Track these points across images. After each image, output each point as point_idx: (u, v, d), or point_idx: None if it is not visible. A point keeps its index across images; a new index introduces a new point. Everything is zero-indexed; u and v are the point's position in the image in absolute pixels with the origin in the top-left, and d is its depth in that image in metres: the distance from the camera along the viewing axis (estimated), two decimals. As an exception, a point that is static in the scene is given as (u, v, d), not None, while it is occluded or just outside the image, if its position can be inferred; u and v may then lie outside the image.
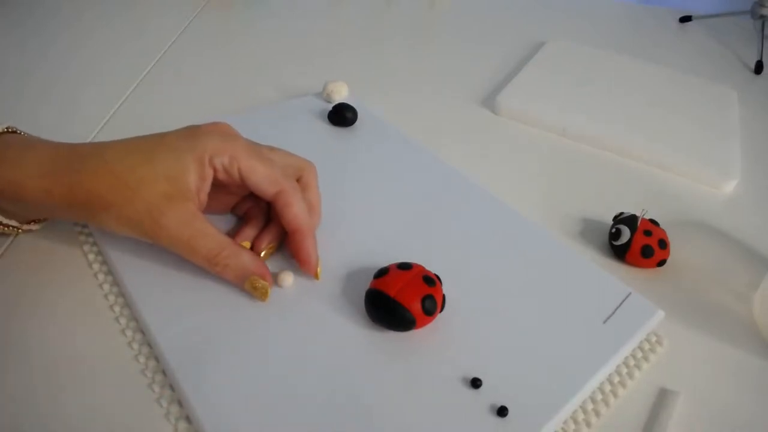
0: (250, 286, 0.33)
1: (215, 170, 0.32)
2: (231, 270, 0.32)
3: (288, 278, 0.35)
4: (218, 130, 0.33)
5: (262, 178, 0.33)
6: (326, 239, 0.38)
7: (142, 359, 0.31)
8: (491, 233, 0.40)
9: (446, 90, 0.63)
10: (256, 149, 0.34)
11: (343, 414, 0.28)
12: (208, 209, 0.35)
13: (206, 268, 0.32)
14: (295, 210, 0.33)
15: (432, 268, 0.34)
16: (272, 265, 0.36)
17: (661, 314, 0.36)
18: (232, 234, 0.37)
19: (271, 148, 0.36)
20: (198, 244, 0.31)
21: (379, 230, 0.40)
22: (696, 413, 0.32)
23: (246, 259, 0.33)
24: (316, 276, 0.35)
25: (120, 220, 0.31)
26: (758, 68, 0.78)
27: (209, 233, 0.32)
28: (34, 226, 0.36)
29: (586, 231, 0.45)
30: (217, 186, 0.34)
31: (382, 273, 0.33)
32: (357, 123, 0.51)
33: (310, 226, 0.34)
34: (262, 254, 0.36)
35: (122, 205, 0.30)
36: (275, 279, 0.35)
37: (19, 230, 0.36)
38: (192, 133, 0.32)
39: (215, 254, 0.32)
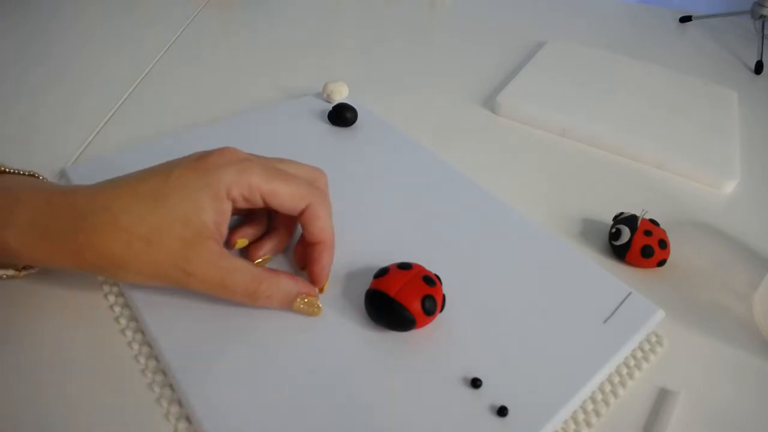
0: (300, 308, 0.32)
1: (234, 201, 0.30)
2: (276, 299, 0.31)
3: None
4: (229, 159, 0.30)
5: (288, 198, 0.31)
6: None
7: (142, 359, 0.31)
8: (491, 233, 0.40)
9: (446, 90, 0.63)
10: (272, 169, 0.31)
11: (343, 414, 0.28)
12: None
13: (248, 303, 0.31)
14: (322, 223, 0.32)
15: (432, 268, 0.34)
16: (284, 270, 0.36)
17: (661, 314, 0.36)
18: (232, 231, 0.35)
19: (281, 160, 0.34)
20: (233, 283, 0.30)
21: (379, 230, 0.40)
22: (696, 413, 0.32)
23: (286, 283, 0.31)
24: (321, 290, 0.34)
25: (142, 275, 0.29)
26: (758, 68, 0.78)
27: (240, 268, 0.30)
28: (32, 270, 0.34)
29: (586, 231, 0.45)
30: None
31: (382, 273, 0.33)
32: (357, 123, 0.51)
33: (333, 240, 0.33)
34: (257, 261, 0.35)
35: (140, 260, 0.28)
36: None
37: (17, 277, 0.33)
38: (202, 166, 0.30)
39: (254, 289, 0.30)
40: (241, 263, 0.30)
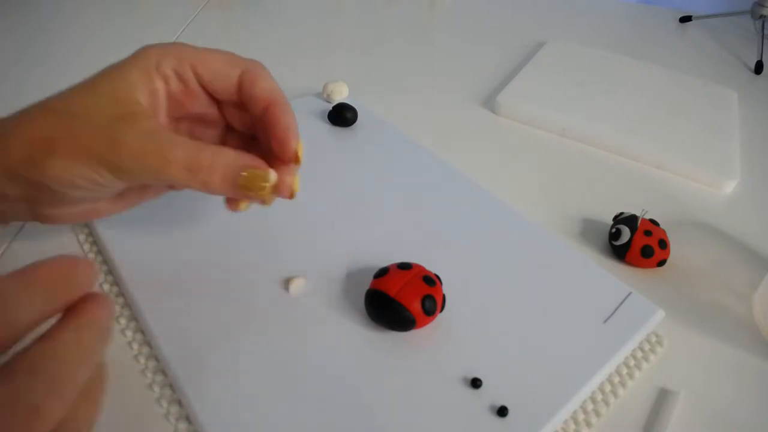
0: (246, 183, 0.27)
1: (166, 79, 0.29)
2: (218, 172, 0.27)
3: (300, 284, 0.34)
4: (161, 43, 0.29)
5: (220, 64, 0.29)
6: (326, 239, 0.38)
7: (142, 359, 0.31)
8: (491, 233, 0.40)
9: (446, 90, 0.63)
10: (202, 47, 0.30)
11: (343, 414, 0.28)
12: None
13: (187, 181, 0.27)
14: (265, 82, 0.30)
15: (432, 268, 0.34)
16: (284, 270, 0.36)
17: (661, 314, 0.36)
18: None
19: None
20: (171, 153, 0.26)
21: (379, 230, 0.40)
22: (696, 413, 0.32)
23: (231, 153, 0.27)
24: (297, 158, 0.29)
25: (71, 157, 0.25)
26: (758, 68, 0.78)
27: (181, 140, 0.27)
28: None
29: (586, 231, 0.45)
30: (183, 119, 0.31)
31: (382, 273, 0.33)
32: (357, 123, 0.51)
33: (285, 98, 0.30)
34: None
35: (69, 138, 0.25)
36: (287, 284, 0.34)
37: None
38: (135, 52, 0.29)
39: (195, 158, 0.26)
40: (183, 137, 0.27)
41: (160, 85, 0.29)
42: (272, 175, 0.28)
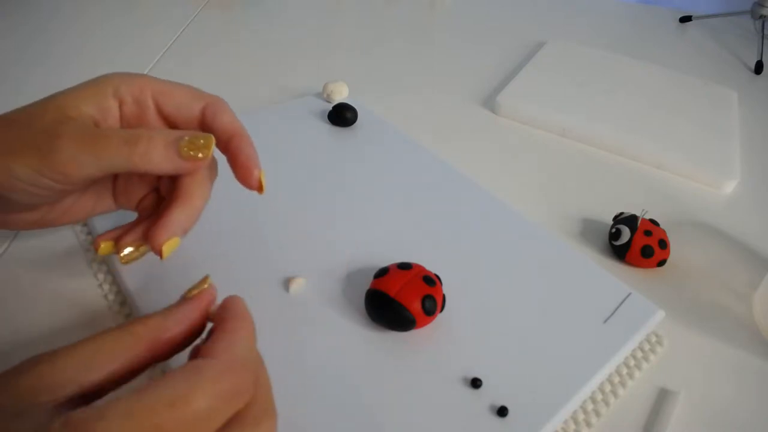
0: (189, 145, 0.27)
1: (121, 102, 0.29)
2: (159, 141, 0.27)
3: (300, 284, 0.34)
4: (125, 72, 0.30)
5: (184, 97, 0.30)
6: (326, 239, 0.38)
7: (142, 359, 0.31)
8: (491, 233, 0.40)
9: (446, 90, 0.63)
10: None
11: (343, 414, 0.28)
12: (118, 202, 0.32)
13: (127, 155, 0.26)
14: (227, 116, 0.30)
15: (432, 268, 0.34)
16: (284, 270, 0.36)
17: (661, 314, 0.36)
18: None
19: None
20: (110, 134, 0.26)
21: (379, 230, 0.40)
22: (696, 413, 0.32)
23: (167, 129, 0.28)
24: (260, 186, 0.30)
25: (6, 157, 0.25)
26: (758, 68, 0.78)
27: (119, 129, 0.27)
28: None
29: (586, 231, 0.45)
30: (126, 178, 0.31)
31: (382, 273, 0.33)
32: (357, 123, 0.51)
33: (246, 131, 0.30)
34: (126, 252, 0.30)
35: (2, 142, 0.25)
36: (287, 284, 0.34)
37: None
38: (97, 76, 0.29)
39: (133, 133, 0.26)
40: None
41: (113, 104, 0.29)
42: (212, 136, 0.28)
